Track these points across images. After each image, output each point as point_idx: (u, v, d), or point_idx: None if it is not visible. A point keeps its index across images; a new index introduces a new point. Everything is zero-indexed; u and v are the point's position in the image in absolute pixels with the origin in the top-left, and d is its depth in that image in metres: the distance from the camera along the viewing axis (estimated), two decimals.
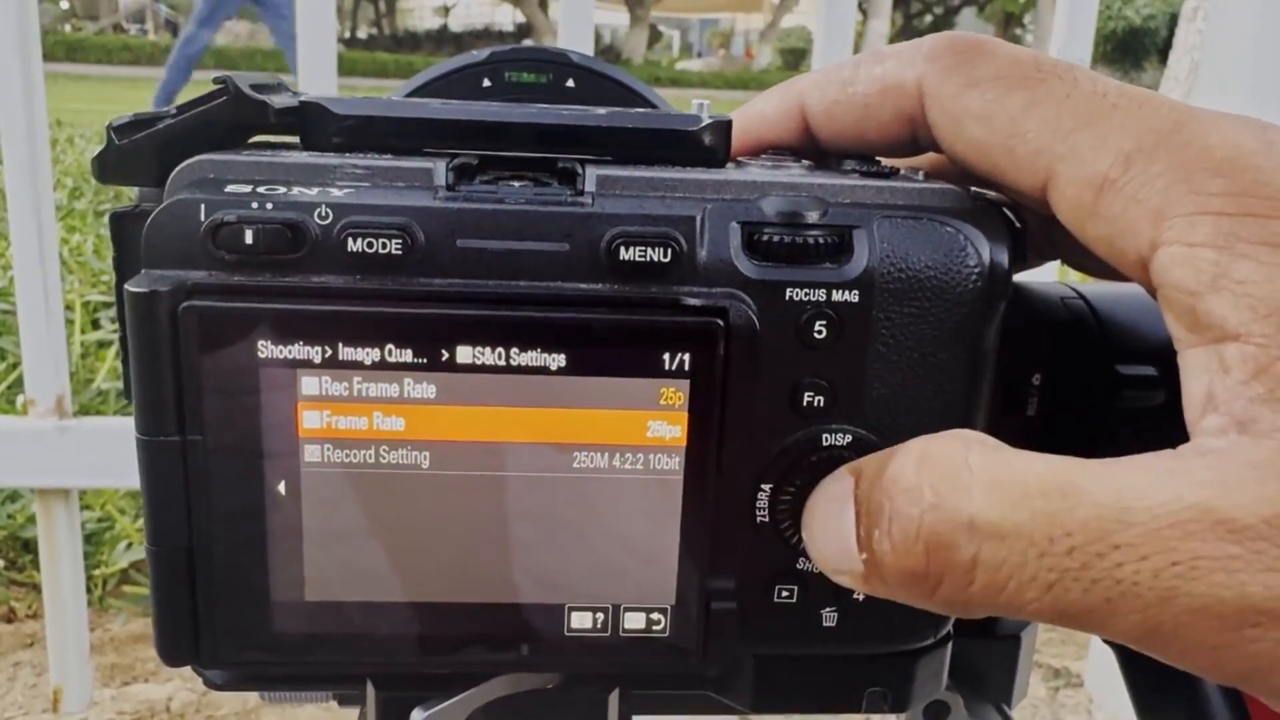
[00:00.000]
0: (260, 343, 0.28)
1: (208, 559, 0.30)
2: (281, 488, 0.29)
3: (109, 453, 1.25)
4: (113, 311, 2.62)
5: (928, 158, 0.36)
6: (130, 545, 1.76)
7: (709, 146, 0.32)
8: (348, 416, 0.29)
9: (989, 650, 0.41)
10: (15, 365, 2.09)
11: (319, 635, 0.31)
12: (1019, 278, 0.42)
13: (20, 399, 1.27)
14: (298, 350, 0.29)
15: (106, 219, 0.31)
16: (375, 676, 0.34)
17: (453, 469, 0.30)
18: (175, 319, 0.28)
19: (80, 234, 3.21)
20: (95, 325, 2.57)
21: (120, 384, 2.31)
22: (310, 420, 0.29)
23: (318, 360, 0.29)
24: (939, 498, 0.26)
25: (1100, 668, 1.64)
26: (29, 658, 1.64)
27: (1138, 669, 0.38)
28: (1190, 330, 0.28)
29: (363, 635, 0.31)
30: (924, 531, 0.26)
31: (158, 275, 0.28)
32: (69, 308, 2.51)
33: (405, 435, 0.29)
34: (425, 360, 0.29)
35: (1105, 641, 0.41)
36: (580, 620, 0.31)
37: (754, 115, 0.36)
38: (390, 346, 0.29)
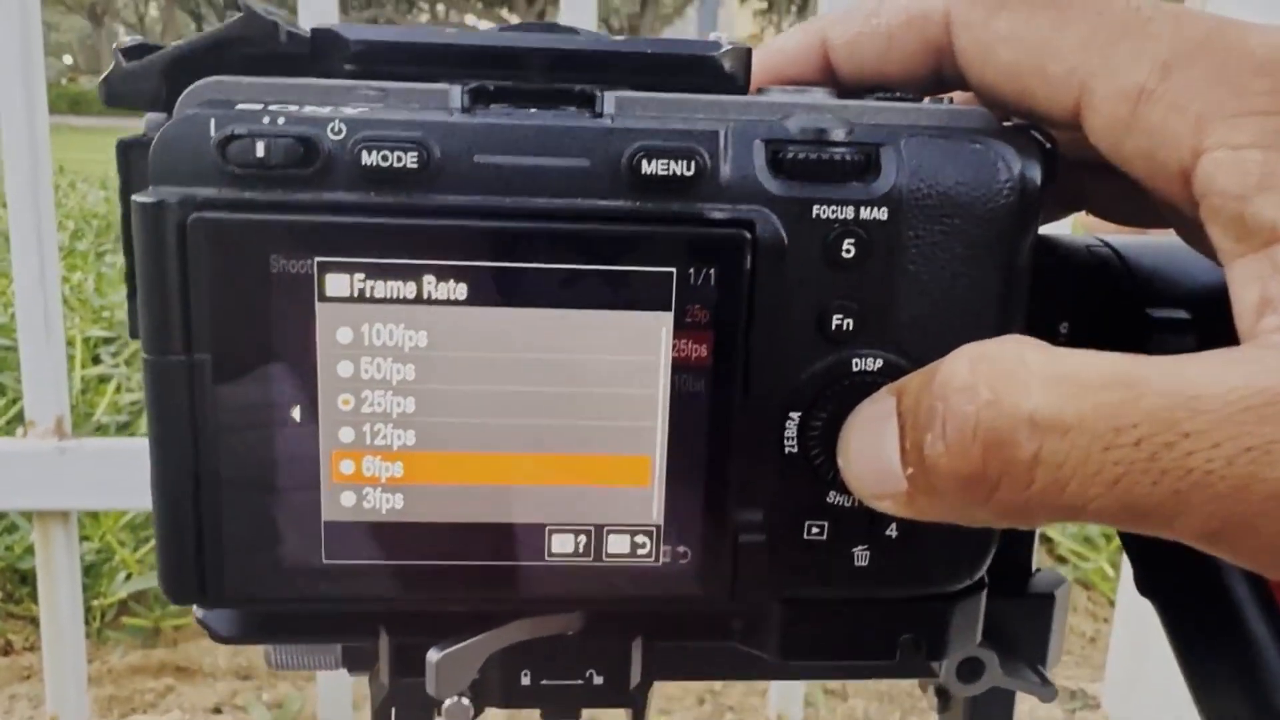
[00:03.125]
0: (273, 256, 0.27)
1: (214, 487, 0.29)
2: (295, 410, 0.28)
3: (109, 474, 1.23)
4: (113, 346, 2.62)
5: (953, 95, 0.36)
6: (129, 576, 1.74)
7: (729, 74, 0.32)
8: (366, 331, 0.28)
9: (1022, 610, 0.39)
10: (15, 400, 2.07)
11: (330, 570, 0.29)
12: (1044, 230, 0.41)
13: (20, 429, 1.26)
14: (312, 264, 0.28)
15: (114, 146, 0.30)
16: (389, 621, 0.33)
17: (476, 383, 0.29)
18: (184, 232, 0.27)
19: (82, 272, 3.22)
20: (96, 361, 2.56)
21: (120, 417, 2.30)
22: (326, 336, 0.28)
23: (333, 274, 0.28)
24: (996, 394, 0.25)
25: (1118, 690, 1.61)
26: (25, 690, 1.61)
27: (1181, 622, 0.37)
28: (1239, 239, 0.27)
29: (375, 568, 0.30)
30: (981, 429, 0.25)
31: (166, 191, 0.27)
32: (70, 343, 2.50)
33: (427, 348, 0.28)
34: (446, 272, 0.28)
35: (1141, 593, 0.40)
36: (610, 546, 0.30)
37: (774, 51, 0.36)
38: (409, 259, 0.28)
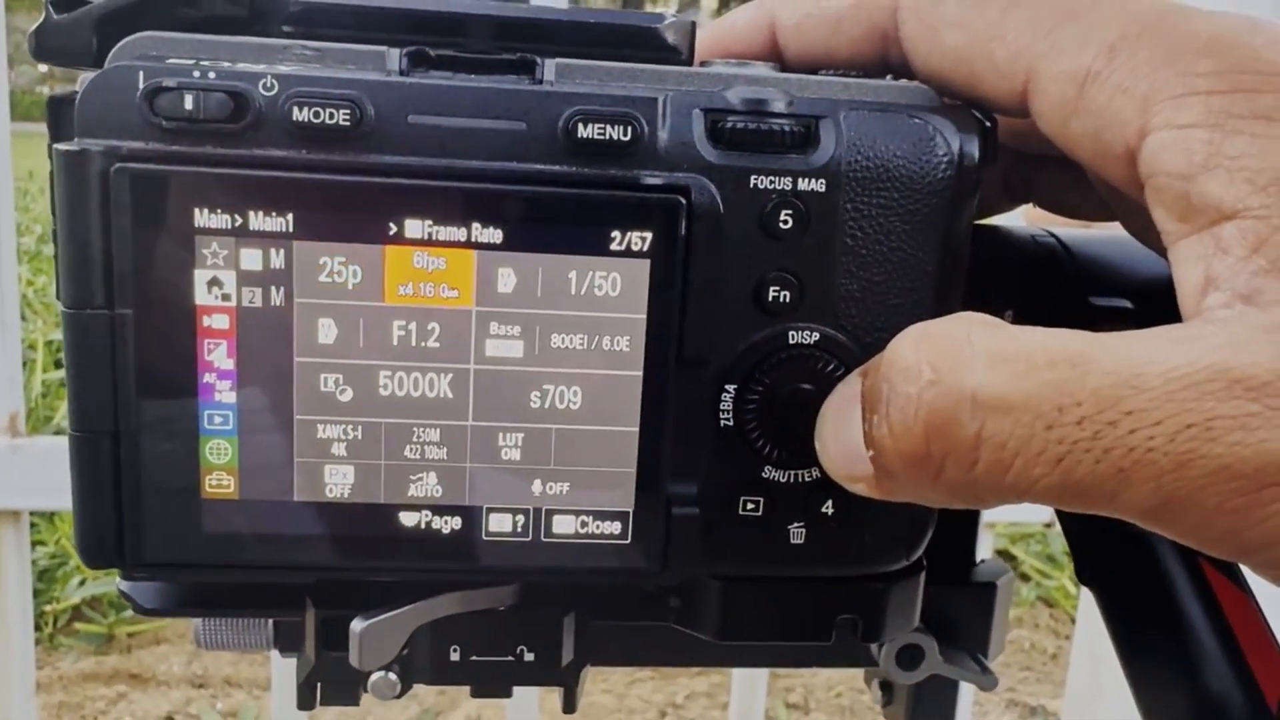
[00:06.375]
0: (197, 210, 0.27)
1: (134, 446, 0.28)
2: (214, 369, 0.28)
3: (63, 473, 1.21)
4: None
5: None
6: (84, 581, 1.71)
7: (672, 45, 0.31)
8: (288, 292, 0.28)
9: (964, 598, 0.39)
10: None
11: (251, 535, 0.29)
12: (991, 220, 0.41)
13: None
14: (237, 219, 0.27)
15: (45, 104, 0.30)
16: (315, 592, 0.32)
17: (400, 354, 0.28)
18: (107, 181, 0.26)
19: (46, 276, 3.18)
20: (58, 365, 2.53)
21: None
22: (249, 296, 0.27)
23: (259, 231, 0.27)
24: (938, 373, 0.25)
25: (1077, 705, 1.62)
26: None
27: (1118, 607, 0.37)
28: (1183, 219, 0.26)
29: (295, 535, 0.29)
30: (923, 410, 0.25)
31: (91, 142, 0.27)
32: (31, 347, 2.48)
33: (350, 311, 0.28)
34: (373, 233, 0.27)
35: (1081, 580, 0.40)
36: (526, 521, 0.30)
37: (722, 28, 0.36)
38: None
